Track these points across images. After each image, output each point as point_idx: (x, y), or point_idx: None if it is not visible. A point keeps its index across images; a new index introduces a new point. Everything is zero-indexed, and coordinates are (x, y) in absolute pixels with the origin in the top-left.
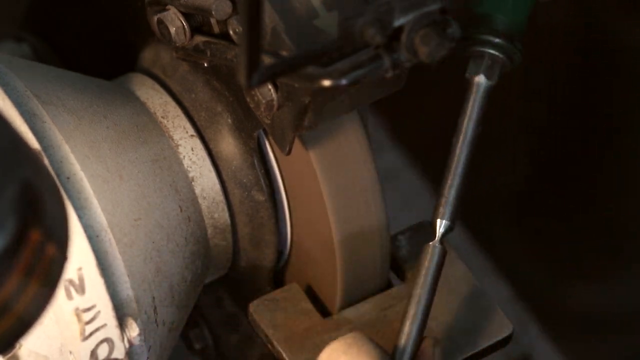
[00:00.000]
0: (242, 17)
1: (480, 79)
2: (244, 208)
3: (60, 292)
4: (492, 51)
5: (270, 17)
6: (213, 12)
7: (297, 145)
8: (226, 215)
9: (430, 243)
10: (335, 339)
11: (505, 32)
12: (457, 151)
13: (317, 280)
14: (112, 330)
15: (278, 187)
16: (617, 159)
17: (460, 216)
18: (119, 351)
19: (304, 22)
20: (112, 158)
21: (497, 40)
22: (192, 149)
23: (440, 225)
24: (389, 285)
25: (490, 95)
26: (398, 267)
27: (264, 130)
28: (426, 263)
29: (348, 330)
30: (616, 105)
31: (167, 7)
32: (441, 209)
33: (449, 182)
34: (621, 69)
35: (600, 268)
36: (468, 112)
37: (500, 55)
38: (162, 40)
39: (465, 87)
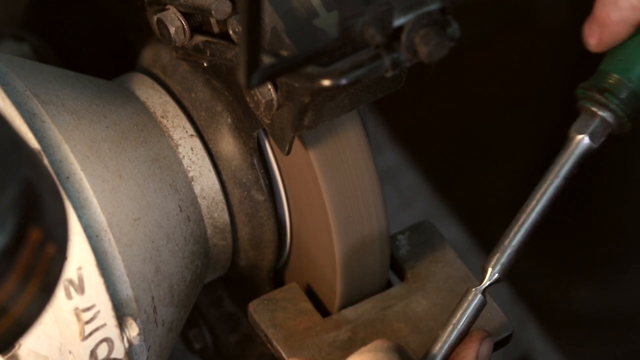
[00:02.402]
0: (242, 17)
1: (585, 140)
2: (244, 208)
3: (59, 292)
4: (607, 116)
5: (270, 17)
6: (213, 12)
7: (297, 145)
8: (226, 214)
9: (474, 289)
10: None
11: (626, 100)
12: (532, 204)
13: (316, 280)
14: (111, 330)
15: (278, 187)
16: (618, 160)
17: (461, 216)
18: (119, 351)
19: (304, 22)
20: (111, 158)
21: (617, 107)
22: (191, 149)
23: (491, 275)
24: (388, 285)
25: (587, 156)
26: (398, 267)
27: (264, 129)
28: (463, 307)
29: (348, 330)
30: None
31: (167, 6)
32: (496, 258)
33: (513, 232)
34: None
35: (600, 269)
36: (557, 168)
37: (613, 123)
38: (161, 40)
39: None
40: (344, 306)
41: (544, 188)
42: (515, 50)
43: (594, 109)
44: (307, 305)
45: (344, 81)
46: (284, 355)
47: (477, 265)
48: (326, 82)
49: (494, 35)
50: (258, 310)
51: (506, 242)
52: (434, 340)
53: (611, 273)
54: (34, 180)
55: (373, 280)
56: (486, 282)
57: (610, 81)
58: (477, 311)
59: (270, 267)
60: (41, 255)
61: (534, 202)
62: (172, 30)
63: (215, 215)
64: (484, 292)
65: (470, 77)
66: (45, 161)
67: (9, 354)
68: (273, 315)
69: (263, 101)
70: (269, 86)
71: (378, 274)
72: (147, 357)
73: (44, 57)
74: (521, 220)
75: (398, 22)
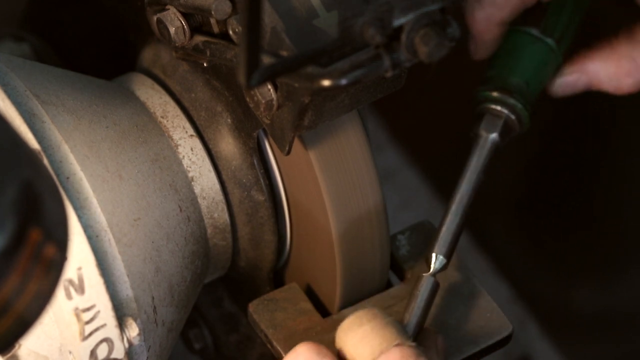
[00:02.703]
0: (241, 17)
1: (494, 138)
2: (244, 208)
3: (59, 292)
4: (512, 116)
5: (270, 17)
6: (213, 12)
7: (297, 145)
8: (226, 215)
9: (425, 275)
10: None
11: (527, 102)
12: (459, 196)
13: (317, 280)
14: (111, 330)
15: (278, 187)
16: (618, 160)
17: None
18: (119, 351)
19: (304, 22)
20: (111, 158)
21: (521, 108)
22: (191, 149)
23: (436, 260)
24: (388, 285)
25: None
26: (398, 267)
27: (264, 129)
28: (418, 293)
29: None
30: (616, 105)
31: (167, 7)
32: (439, 245)
33: (448, 220)
34: None
35: (600, 268)
36: (474, 164)
37: (517, 123)
38: (161, 40)
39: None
40: (344, 306)
41: (466, 182)
42: None
43: (499, 109)
44: (307, 305)
45: (344, 81)
46: (284, 355)
47: (477, 266)
48: (326, 82)
49: None
50: (258, 311)
51: (444, 230)
52: (404, 324)
53: (611, 273)
54: (34, 180)
55: (373, 280)
56: (435, 268)
57: (512, 84)
58: (433, 294)
59: (271, 267)
60: (41, 255)
61: (461, 193)
62: (172, 30)
63: (215, 215)
64: (434, 276)
65: (470, 77)
66: (45, 161)
67: (9, 354)
68: (273, 316)
69: (263, 101)
70: (269, 86)
71: (378, 274)
72: (147, 357)
73: (44, 57)
74: (453, 209)
75: (398, 22)
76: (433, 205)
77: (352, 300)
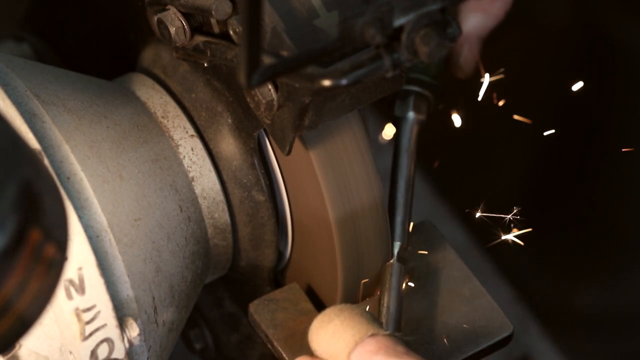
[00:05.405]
0: (242, 17)
1: (412, 116)
2: (244, 208)
3: (60, 292)
4: (421, 90)
5: (270, 17)
6: (213, 12)
7: (297, 145)
8: (226, 215)
9: (388, 263)
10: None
11: (434, 75)
12: (403, 179)
13: (317, 280)
14: (112, 330)
15: (279, 187)
16: (618, 160)
17: (462, 217)
18: (119, 351)
19: (304, 22)
20: (112, 158)
21: (424, 77)
22: (192, 149)
23: (395, 247)
24: None
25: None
26: None
27: (265, 130)
28: (390, 280)
29: None
30: (617, 105)
31: (167, 7)
32: (395, 234)
33: (397, 209)
34: (620, 69)
35: (601, 269)
36: (404, 147)
37: (427, 94)
38: (162, 40)
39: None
40: None
41: (404, 164)
42: (516, 50)
43: (408, 88)
44: (308, 305)
45: (344, 81)
46: (284, 355)
47: (477, 265)
48: (327, 82)
49: (493, 35)
50: (259, 311)
51: (398, 217)
52: (383, 313)
53: (611, 273)
54: (34, 180)
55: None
56: (395, 254)
57: (418, 69)
58: (403, 277)
59: (271, 268)
60: (41, 255)
61: (403, 178)
62: (172, 30)
63: (216, 215)
64: (399, 260)
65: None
66: (46, 161)
67: (10, 354)
68: (274, 316)
69: (263, 101)
70: (270, 86)
71: (378, 275)
72: (148, 358)
73: (44, 57)
74: (400, 194)
75: (398, 22)
76: (433, 205)
77: (353, 300)
